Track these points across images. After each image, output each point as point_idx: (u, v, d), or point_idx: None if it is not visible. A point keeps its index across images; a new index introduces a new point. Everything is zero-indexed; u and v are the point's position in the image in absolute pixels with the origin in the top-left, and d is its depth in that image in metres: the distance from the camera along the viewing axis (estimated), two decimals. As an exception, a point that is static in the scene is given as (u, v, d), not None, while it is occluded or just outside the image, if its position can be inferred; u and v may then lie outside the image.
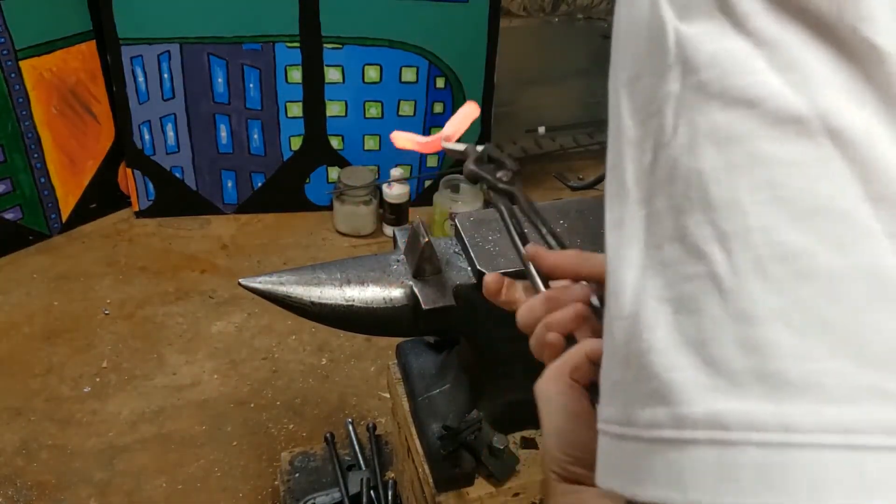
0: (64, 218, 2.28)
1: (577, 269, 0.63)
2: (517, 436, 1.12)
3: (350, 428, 1.61)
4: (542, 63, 2.52)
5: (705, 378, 0.32)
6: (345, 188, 2.27)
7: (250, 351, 1.93)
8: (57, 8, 2.04)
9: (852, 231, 0.31)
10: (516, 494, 1.07)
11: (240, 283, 0.97)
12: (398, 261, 1.00)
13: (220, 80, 2.22)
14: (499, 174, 0.80)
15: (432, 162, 2.43)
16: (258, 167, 2.36)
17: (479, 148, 0.81)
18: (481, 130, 2.38)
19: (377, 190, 2.33)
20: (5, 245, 2.19)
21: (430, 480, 1.06)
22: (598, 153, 2.70)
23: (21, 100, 2.06)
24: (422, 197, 2.44)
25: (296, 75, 2.23)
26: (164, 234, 2.32)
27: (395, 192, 2.29)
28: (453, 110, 2.35)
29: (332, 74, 2.24)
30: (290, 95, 2.26)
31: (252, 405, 1.79)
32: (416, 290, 0.94)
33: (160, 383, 1.84)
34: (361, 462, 1.53)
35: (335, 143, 2.35)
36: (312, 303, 0.95)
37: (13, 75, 2.02)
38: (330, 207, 2.38)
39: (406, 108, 2.32)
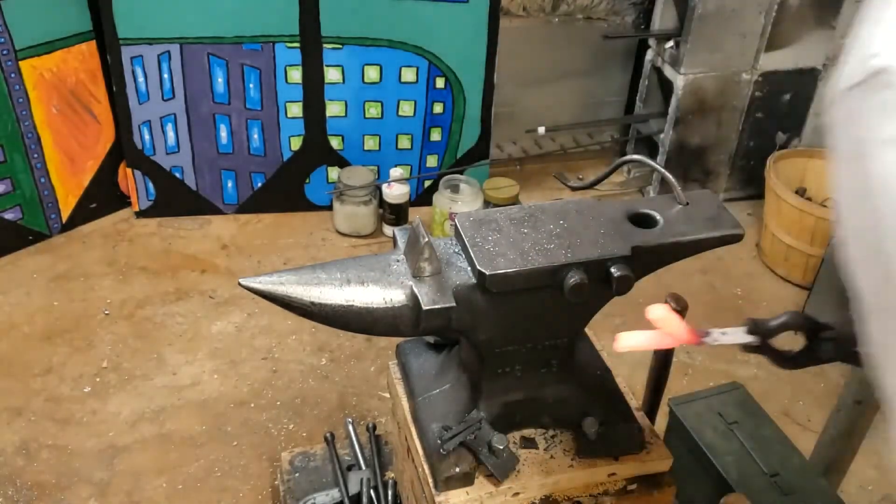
0: (64, 218, 2.28)
1: None
2: (517, 436, 1.12)
3: (350, 428, 1.61)
4: (542, 63, 2.52)
5: None
6: (345, 188, 2.27)
7: (250, 351, 1.93)
8: (57, 8, 2.04)
9: None
10: (516, 494, 1.07)
11: (240, 283, 0.97)
12: (398, 261, 1.00)
13: (220, 80, 2.22)
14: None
15: (432, 162, 2.43)
16: (258, 167, 2.36)
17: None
18: (481, 130, 2.39)
19: (377, 190, 2.33)
20: (5, 245, 2.19)
21: (430, 480, 1.06)
22: (598, 153, 2.70)
23: (21, 100, 2.06)
24: (422, 197, 2.44)
25: (296, 75, 2.23)
26: (164, 234, 2.32)
27: (395, 192, 2.29)
28: (453, 110, 2.36)
29: (332, 74, 2.24)
30: (290, 95, 2.26)
31: (252, 405, 1.79)
32: (416, 290, 0.94)
33: (160, 383, 1.84)
34: (361, 462, 1.53)
35: (335, 143, 2.35)
36: (312, 303, 0.95)
37: (13, 75, 2.02)
38: (330, 207, 2.38)
39: (406, 108, 2.32)
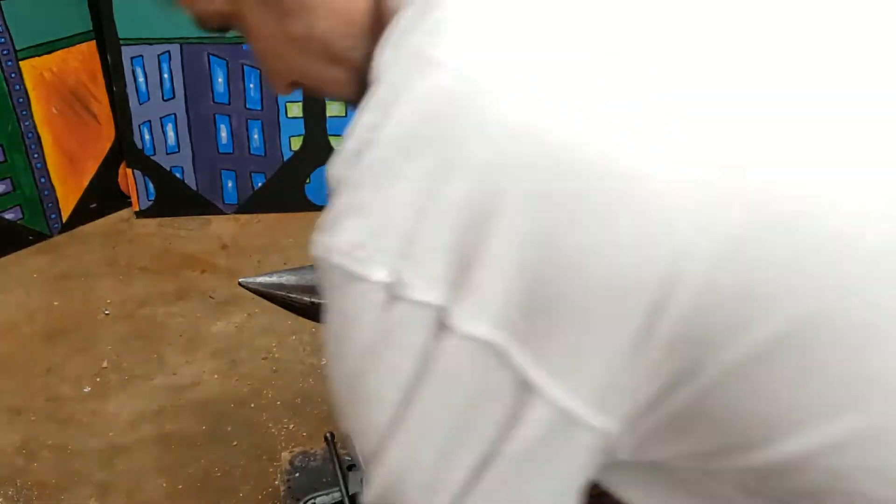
0: (64, 218, 2.28)
1: None
2: (517, 436, 1.12)
3: (350, 428, 1.60)
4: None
5: None
6: (345, 188, 2.27)
7: (250, 351, 1.93)
8: (57, 8, 2.04)
9: None
10: (516, 494, 1.07)
11: (240, 283, 0.97)
12: (398, 261, 0.99)
13: (220, 80, 2.22)
14: None
15: (432, 162, 2.43)
16: (258, 167, 2.36)
17: None
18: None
19: (377, 190, 2.33)
20: (6, 245, 2.19)
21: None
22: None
23: (21, 100, 2.06)
24: (422, 197, 2.44)
25: (296, 75, 2.23)
26: (165, 234, 2.32)
27: (396, 192, 2.29)
28: (453, 110, 2.36)
29: (333, 74, 2.24)
30: (290, 96, 2.25)
31: (252, 405, 1.79)
32: (415, 290, 0.94)
33: (160, 383, 1.84)
34: (362, 462, 1.53)
35: (335, 143, 2.35)
36: (312, 303, 0.95)
37: (13, 75, 2.02)
38: (330, 207, 2.38)
39: (406, 108, 2.32)
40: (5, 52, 1.99)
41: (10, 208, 2.16)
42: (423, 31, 0.45)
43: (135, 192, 2.32)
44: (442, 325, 0.43)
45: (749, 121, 0.41)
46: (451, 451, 0.46)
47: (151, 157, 2.28)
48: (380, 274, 0.43)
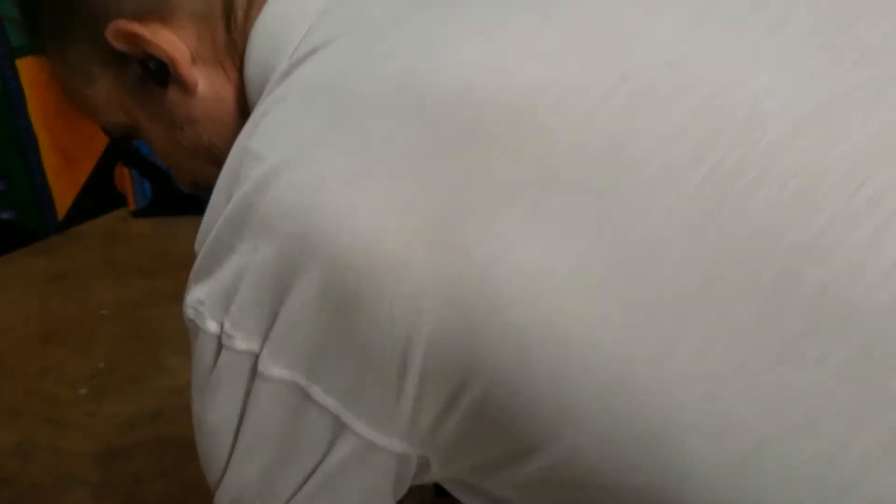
0: (60, 217, 2.26)
1: None
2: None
3: (350, 430, 1.60)
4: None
5: None
6: (343, 188, 2.26)
7: (249, 352, 1.92)
8: (53, 6, 2.02)
9: None
10: (520, 498, 1.06)
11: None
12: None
13: (217, 78, 2.20)
14: None
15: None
16: (256, 167, 2.34)
17: None
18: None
19: (376, 190, 2.32)
20: (1, 245, 2.17)
21: (431, 485, 1.05)
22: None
23: (17, 98, 2.04)
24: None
25: (294, 74, 2.22)
26: (162, 234, 2.31)
27: (394, 191, 2.28)
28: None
29: (331, 73, 2.23)
30: (289, 94, 2.25)
31: (251, 407, 1.78)
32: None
33: (158, 385, 1.83)
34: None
35: (334, 142, 2.34)
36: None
37: (9, 73, 2.01)
38: (328, 207, 2.37)
39: (405, 108, 2.31)
40: (1, 49, 1.97)
41: (6, 208, 2.14)
42: (250, 125, 0.55)
43: (131, 191, 2.31)
44: (255, 370, 0.51)
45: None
46: (276, 480, 0.55)
47: (148, 156, 2.27)
48: (212, 327, 0.53)
